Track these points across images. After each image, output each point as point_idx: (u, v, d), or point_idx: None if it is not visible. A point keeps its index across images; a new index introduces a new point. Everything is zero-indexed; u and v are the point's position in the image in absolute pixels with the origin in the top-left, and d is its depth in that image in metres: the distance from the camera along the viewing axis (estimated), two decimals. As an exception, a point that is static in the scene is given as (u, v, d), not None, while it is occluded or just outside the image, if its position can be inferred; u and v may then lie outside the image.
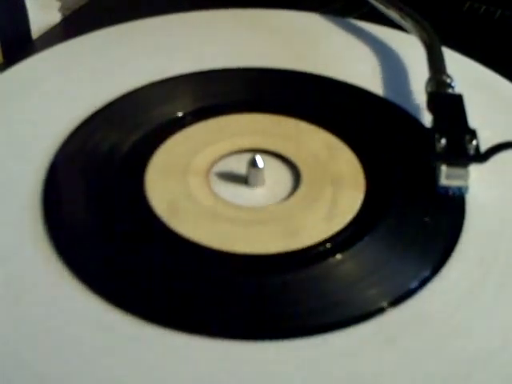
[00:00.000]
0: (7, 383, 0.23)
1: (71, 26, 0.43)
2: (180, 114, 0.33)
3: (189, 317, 0.25)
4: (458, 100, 0.31)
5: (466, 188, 0.29)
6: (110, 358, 0.23)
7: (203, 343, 0.24)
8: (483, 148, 0.29)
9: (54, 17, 0.43)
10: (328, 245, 0.27)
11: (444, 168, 0.28)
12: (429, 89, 0.32)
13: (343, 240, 0.27)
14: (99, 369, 0.23)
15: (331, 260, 0.27)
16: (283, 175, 0.31)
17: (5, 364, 0.23)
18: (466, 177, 0.28)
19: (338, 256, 0.27)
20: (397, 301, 0.25)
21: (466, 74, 0.35)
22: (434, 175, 0.29)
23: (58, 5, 0.44)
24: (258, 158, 0.30)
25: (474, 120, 0.30)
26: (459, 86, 0.32)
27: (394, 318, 0.25)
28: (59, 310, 0.25)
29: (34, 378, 0.23)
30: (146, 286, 0.26)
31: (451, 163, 0.28)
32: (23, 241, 0.27)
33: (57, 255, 0.26)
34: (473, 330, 0.25)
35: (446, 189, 0.29)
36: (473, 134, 0.29)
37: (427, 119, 0.32)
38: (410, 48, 0.37)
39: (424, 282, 0.26)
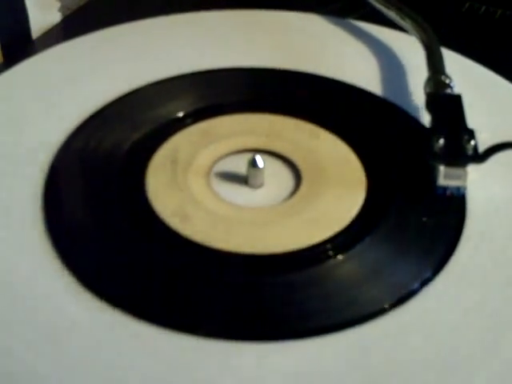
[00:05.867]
0: (7, 383, 0.23)
1: (71, 26, 0.43)
2: (180, 114, 0.33)
3: (188, 317, 0.25)
4: (457, 100, 0.31)
5: (465, 188, 0.29)
6: (109, 358, 0.23)
7: (202, 343, 0.24)
8: (482, 148, 0.29)
9: (54, 17, 0.43)
10: (329, 245, 0.27)
11: (442, 168, 0.28)
12: (428, 89, 0.32)
13: (344, 241, 0.27)
14: (98, 368, 0.23)
15: (332, 261, 0.27)
16: (283, 175, 0.31)
17: (5, 364, 0.23)
18: (464, 177, 0.28)
19: (339, 257, 0.27)
20: (398, 301, 0.25)
21: (466, 75, 0.35)
22: (433, 175, 0.29)
23: (57, 5, 0.44)
24: (258, 158, 0.30)
25: (472, 120, 0.30)
26: (458, 86, 0.32)
27: (395, 318, 0.25)
28: (59, 310, 0.25)
29: (34, 378, 0.23)
30: (145, 285, 0.26)
31: (449, 163, 0.28)
32: (23, 241, 0.27)
33: (57, 255, 0.26)
34: (473, 329, 0.25)
35: (444, 189, 0.29)
36: (471, 134, 0.29)
37: (427, 119, 0.32)
38: (409, 48, 0.37)
39: (425, 283, 0.26)
